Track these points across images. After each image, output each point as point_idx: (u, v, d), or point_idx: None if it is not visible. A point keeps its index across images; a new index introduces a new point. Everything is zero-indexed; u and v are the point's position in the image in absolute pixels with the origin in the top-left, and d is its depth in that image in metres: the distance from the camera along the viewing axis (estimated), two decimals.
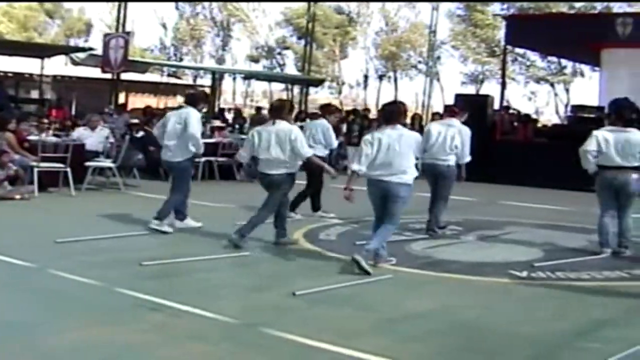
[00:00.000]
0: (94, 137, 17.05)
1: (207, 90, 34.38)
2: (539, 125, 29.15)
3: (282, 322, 6.96)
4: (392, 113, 9.81)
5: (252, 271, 9.63)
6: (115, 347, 6.10)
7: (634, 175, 10.64)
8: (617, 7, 45.91)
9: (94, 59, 31.18)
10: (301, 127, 12.19)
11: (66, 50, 39.00)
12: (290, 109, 10.83)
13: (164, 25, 67.89)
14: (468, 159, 12.09)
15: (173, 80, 44.83)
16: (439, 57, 51.93)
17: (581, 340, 6.85)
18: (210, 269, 9.23)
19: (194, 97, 12.18)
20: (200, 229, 11.66)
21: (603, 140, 10.56)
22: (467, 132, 12.08)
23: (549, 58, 50.11)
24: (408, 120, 26.39)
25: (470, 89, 56.85)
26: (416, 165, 9.66)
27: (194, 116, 11.54)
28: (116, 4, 34.89)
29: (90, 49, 34.58)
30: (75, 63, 35.61)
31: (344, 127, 26.24)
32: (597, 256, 10.76)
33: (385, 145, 9.40)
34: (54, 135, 18.27)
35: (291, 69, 60.10)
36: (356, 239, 11.37)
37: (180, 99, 42.55)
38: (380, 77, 63.20)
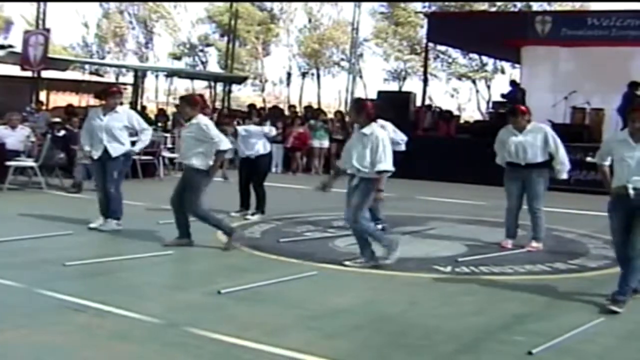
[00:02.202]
0: (14, 136, 16.83)
1: (130, 88, 34.15)
2: (461, 121, 29.47)
3: (207, 320, 6.94)
4: None
5: (177, 270, 9.61)
6: (37, 349, 6.01)
7: None
8: (537, 6, 46.52)
9: (13, 57, 30.72)
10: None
11: None
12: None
13: (85, 25, 67.18)
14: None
15: (95, 78, 44.32)
16: (361, 55, 52.09)
17: (504, 333, 6.94)
18: (135, 269, 9.18)
19: None
20: (122, 228, 11.59)
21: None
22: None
23: (471, 55, 50.55)
24: (331, 117, 26.56)
25: (393, 86, 57.16)
26: None
27: None
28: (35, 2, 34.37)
29: (10, 46, 34.05)
30: None
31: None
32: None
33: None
34: None
35: (214, 67, 59.88)
36: (280, 236, 11.43)
37: None
38: (303, 75, 63.20)
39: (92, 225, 11.55)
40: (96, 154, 11.64)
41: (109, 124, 11.53)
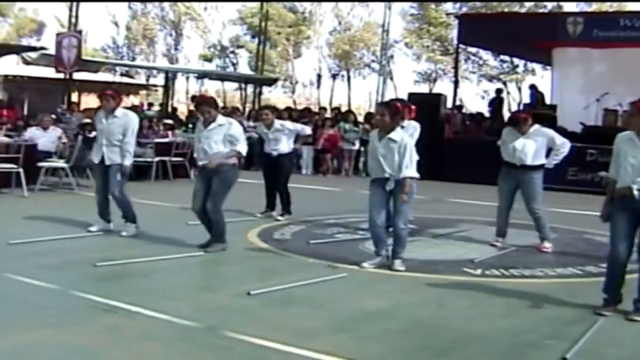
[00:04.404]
0: (46, 137, 16.93)
1: (160, 89, 34.20)
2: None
3: (236, 322, 6.94)
4: None
5: (206, 272, 9.62)
6: (65, 349, 6.04)
7: None
8: (574, 6, 46.37)
9: (46, 59, 30.95)
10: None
11: (18, 49, 38.59)
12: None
13: (115, 23, 67.50)
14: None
15: (126, 79, 44.58)
16: (392, 56, 52.00)
17: (534, 337, 6.89)
18: (164, 270, 9.19)
19: None
20: (154, 229, 11.60)
21: None
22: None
23: (501, 57, 50.38)
24: (361, 119, 26.53)
25: (424, 88, 57.09)
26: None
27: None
28: (68, 3, 34.59)
29: (42, 48, 34.28)
30: (27, 62, 35.32)
31: None
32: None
33: None
34: (6, 135, 18.12)
35: (244, 68, 59.97)
36: (310, 237, 11.42)
37: (133, 99, 42.35)
38: (334, 76, 63.15)
39: (92, 229, 11.45)
40: (96, 158, 11.45)
41: (109, 128, 11.32)
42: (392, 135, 9.38)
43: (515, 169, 11.22)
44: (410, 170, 9.37)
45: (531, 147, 11.07)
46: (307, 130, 14.59)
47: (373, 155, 9.60)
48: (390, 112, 9.43)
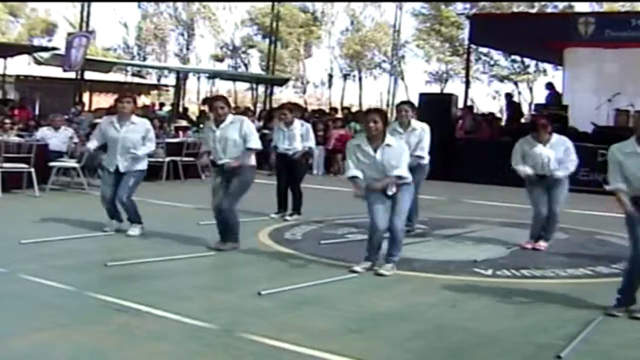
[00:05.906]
0: (57, 137, 16.96)
1: (172, 89, 34.21)
2: (503, 124, 29.31)
3: (247, 322, 6.94)
4: None
5: (217, 271, 9.62)
6: (77, 348, 6.05)
7: None
8: (587, 6, 46.27)
9: (57, 59, 30.95)
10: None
11: (29, 49, 38.64)
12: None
13: (125, 25, 67.59)
14: None
15: (137, 79, 44.57)
16: (403, 56, 51.94)
17: (545, 337, 6.87)
18: (175, 270, 9.19)
19: None
20: (165, 228, 11.61)
21: None
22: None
23: (513, 57, 50.29)
24: None
25: (435, 88, 57.02)
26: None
27: None
28: (79, 3, 34.61)
29: (54, 48, 34.31)
30: (38, 63, 35.37)
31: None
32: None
33: None
34: (17, 135, 18.13)
35: (256, 68, 59.93)
36: (321, 238, 11.41)
37: (144, 99, 42.37)
38: (345, 76, 63.13)
39: (106, 229, 11.42)
40: (112, 167, 11.30)
41: (126, 137, 11.20)
42: (388, 141, 9.26)
43: (546, 177, 11.17)
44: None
45: (553, 156, 11.03)
46: (311, 143, 14.23)
47: (370, 166, 9.45)
48: (382, 119, 9.32)
